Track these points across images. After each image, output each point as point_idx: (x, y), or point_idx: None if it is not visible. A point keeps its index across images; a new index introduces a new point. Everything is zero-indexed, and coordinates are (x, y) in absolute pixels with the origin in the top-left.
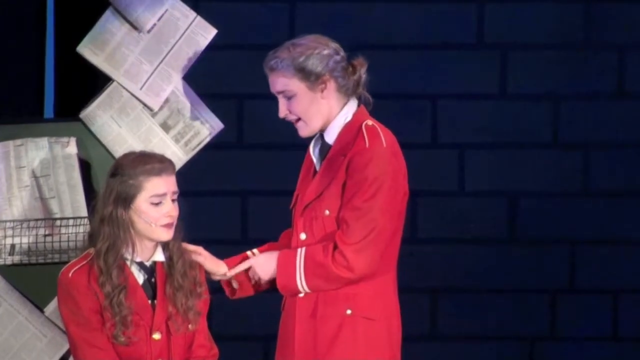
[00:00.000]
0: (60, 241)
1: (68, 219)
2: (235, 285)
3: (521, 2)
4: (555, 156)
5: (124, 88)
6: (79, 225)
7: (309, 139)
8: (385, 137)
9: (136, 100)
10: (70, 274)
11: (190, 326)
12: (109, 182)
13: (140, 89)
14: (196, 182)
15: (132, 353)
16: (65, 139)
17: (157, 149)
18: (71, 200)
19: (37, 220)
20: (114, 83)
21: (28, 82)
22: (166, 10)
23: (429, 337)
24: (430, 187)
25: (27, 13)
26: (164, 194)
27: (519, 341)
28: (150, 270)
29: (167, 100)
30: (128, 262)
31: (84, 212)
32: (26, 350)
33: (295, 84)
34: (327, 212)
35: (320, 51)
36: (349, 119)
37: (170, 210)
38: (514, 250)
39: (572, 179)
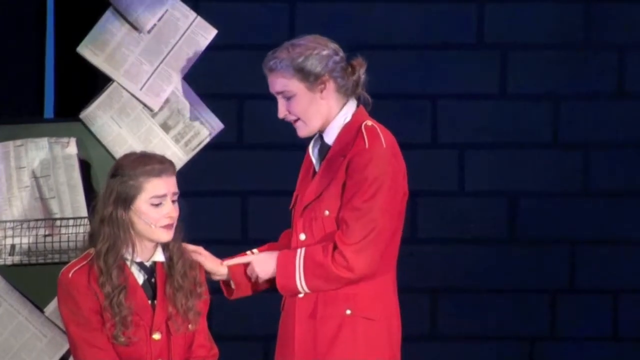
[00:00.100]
0: (60, 241)
1: (68, 219)
2: (233, 285)
3: (521, 2)
4: (555, 156)
5: (124, 88)
6: (79, 225)
7: (309, 139)
8: (385, 138)
9: (136, 100)
10: (70, 274)
11: (190, 326)
12: (109, 183)
13: (140, 89)
14: (196, 182)
15: (132, 353)
16: (65, 139)
17: (157, 150)
18: (71, 200)
19: (37, 220)
20: (114, 83)
21: (28, 82)
22: (166, 10)
23: (429, 337)
24: (430, 187)
25: (27, 13)
26: (164, 195)
27: (519, 341)
28: (150, 271)
29: (167, 101)
30: (128, 263)
31: (84, 212)
32: (26, 350)
33: (294, 85)
34: (326, 212)
35: (320, 52)
36: (348, 119)
37: (170, 211)
38: (514, 250)
39: (572, 179)
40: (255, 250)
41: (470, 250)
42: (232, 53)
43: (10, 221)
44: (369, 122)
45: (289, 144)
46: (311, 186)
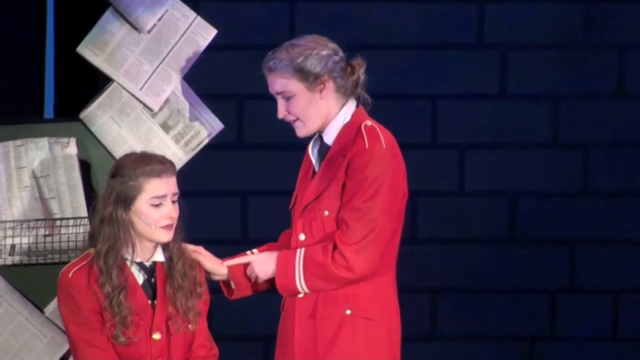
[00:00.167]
0: (60, 241)
1: (68, 219)
2: (233, 285)
3: (521, 2)
4: (555, 156)
5: (124, 88)
6: (79, 225)
7: (308, 139)
8: (385, 138)
9: (136, 100)
10: (70, 274)
11: (190, 326)
12: (109, 183)
13: (140, 89)
14: (196, 182)
15: (132, 353)
16: (65, 139)
17: (157, 150)
18: (71, 200)
19: (37, 220)
20: (114, 83)
21: (28, 82)
22: (166, 10)
23: (429, 337)
24: (430, 187)
25: (27, 13)
26: (164, 196)
27: (519, 341)
28: (150, 271)
29: (167, 101)
30: (128, 263)
31: (84, 212)
32: (26, 350)
33: (294, 85)
34: (326, 212)
35: (319, 52)
36: (347, 119)
37: (170, 211)
38: (514, 250)
39: (572, 179)
40: (255, 250)
41: (470, 250)
42: (232, 53)
43: (10, 221)
44: (369, 122)
45: (289, 144)
46: (311, 186)
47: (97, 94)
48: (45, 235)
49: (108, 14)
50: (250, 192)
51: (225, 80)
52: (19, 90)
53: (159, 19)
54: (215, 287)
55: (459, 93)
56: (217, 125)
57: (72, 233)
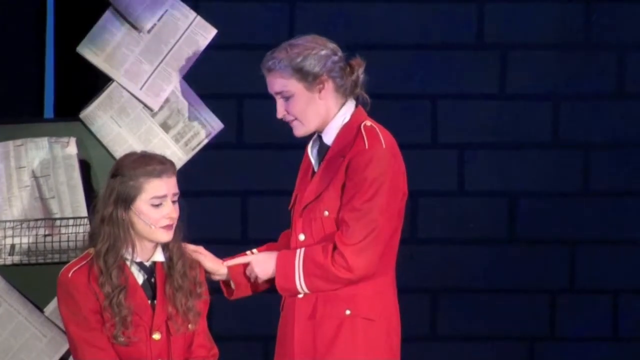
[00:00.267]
0: (60, 241)
1: (68, 219)
2: (233, 285)
3: (521, 2)
4: (555, 156)
5: (124, 88)
6: (79, 225)
7: (308, 139)
8: (385, 138)
9: (136, 100)
10: (70, 274)
11: (190, 326)
12: (109, 183)
13: (140, 89)
14: (196, 182)
15: (132, 353)
16: (65, 139)
17: (157, 149)
18: (71, 200)
19: (37, 220)
20: (114, 83)
21: (28, 82)
22: (166, 10)
23: (429, 337)
24: (430, 187)
25: (27, 13)
26: (164, 196)
27: (519, 341)
28: (150, 271)
29: (167, 100)
30: (128, 262)
31: (83, 212)
32: (26, 350)
33: (293, 85)
34: (326, 213)
35: (318, 51)
36: (347, 119)
37: (170, 211)
38: (514, 250)
39: (572, 179)
40: (255, 251)
41: (470, 250)
42: (232, 53)
43: (10, 221)
44: (368, 123)
45: (289, 144)
46: (310, 186)
47: (97, 93)
48: (45, 235)
49: (108, 14)
50: (250, 192)
51: (225, 80)
52: (19, 90)
53: (159, 19)
54: (215, 287)
55: (459, 93)
56: (217, 125)
57: (72, 233)
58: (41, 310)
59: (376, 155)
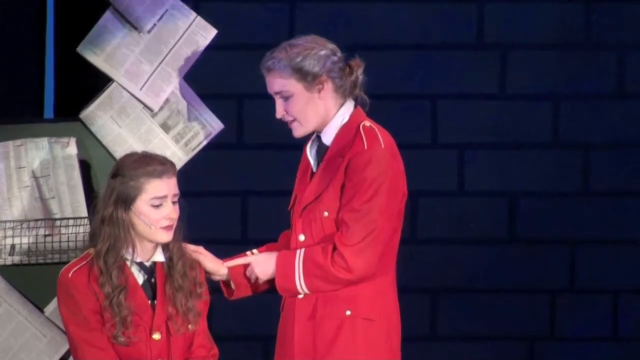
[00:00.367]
0: (60, 241)
1: (68, 219)
2: (233, 285)
3: (521, 2)
4: (555, 156)
5: (124, 88)
6: (79, 225)
7: (307, 139)
8: (384, 138)
9: (136, 100)
10: (70, 274)
11: (190, 326)
12: (109, 183)
13: (140, 89)
14: (196, 182)
15: (132, 353)
16: (65, 139)
17: (157, 149)
18: (71, 200)
19: (37, 220)
20: (114, 83)
21: (28, 82)
22: (166, 10)
23: (429, 337)
24: (430, 187)
25: (27, 13)
26: (165, 197)
27: (519, 341)
28: (150, 271)
29: (167, 101)
30: (128, 263)
31: (83, 212)
32: (26, 350)
33: (292, 85)
34: (325, 213)
35: (317, 52)
36: (346, 119)
37: (170, 212)
38: (514, 250)
39: (572, 179)
40: (255, 251)
41: (470, 250)
42: (232, 53)
43: (10, 221)
44: (367, 123)
45: (289, 144)
46: (310, 187)
47: (97, 94)
48: (45, 235)
49: (108, 14)
50: (250, 192)
51: (225, 80)
52: (19, 90)
53: (159, 19)
54: (215, 287)
55: (459, 93)
56: (217, 125)
57: (72, 233)
58: (41, 310)
59: (375, 156)
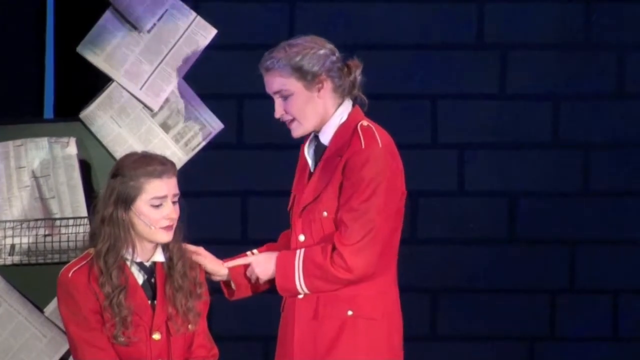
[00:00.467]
0: (60, 241)
1: (68, 219)
2: (233, 286)
3: (521, 2)
4: (555, 156)
5: (124, 88)
6: (79, 225)
7: (305, 139)
8: (381, 138)
9: (136, 100)
10: (70, 274)
11: (190, 327)
12: (110, 183)
13: (140, 89)
14: (196, 182)
15: (132, 353)
16: (65, 139)
17: (157, 149)
18: (71, 200)
19: (37, 220)
20: (114, 83)
21: (28, 82)
22: (166, 10)
23: (429, 337)
24: (430, 187)
25: (27, 13)
26: (165, 197)
27: (519, 341)
28: (150, 271)
29: (167, 100)
30: (128, 263)
31: (83, 212)
32: (26, 350)
33: (292, 84)
34: (325, 213)
35: (317, 51)
36: (344, 119)
37: (170, 212)
38: (514, 250)
39: (572, 179)
40: (255, 251)
41: (470, 250)
42: (232, 53)
43: (10, 221)
44: (365, 122)
45: (289, 144)
46: (308, 187)
47: (97, 93)
48: (45, 235)
49: (108, 14)
50: (250, 192)
51: (225, 80)
52: (19, 90)
53: (159, 19)
54: (215, 287)
55: (459, 93)
56: (217, 125)
57: (72, 233)
58: (41, 310)
59: (373, 155)
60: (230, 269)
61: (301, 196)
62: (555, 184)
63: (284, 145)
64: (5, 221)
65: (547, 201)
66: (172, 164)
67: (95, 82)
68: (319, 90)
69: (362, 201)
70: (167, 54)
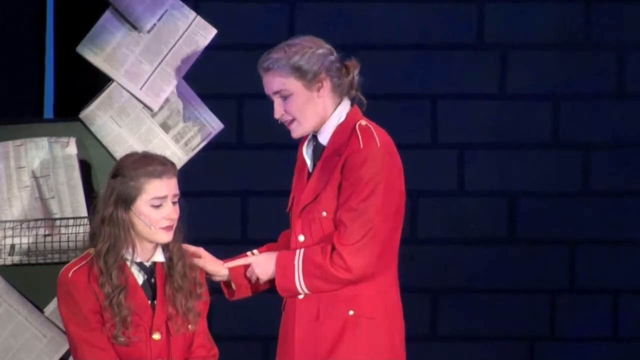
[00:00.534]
0: (60, 241)
1: (68, 219)
2: (234, 286)
3: (521, 2)
4: (555, 156)
5: (124, 88)
6: (79, 225)
7: (303, 139)
8: (380, 137)
9: (136, 100)
10: (70, 274)
11: (190, 327)
12: (110, 183)
13: (140, 89)
14: (196, 182)
15: (132, 353)
16: (65, 139)
17: (157, 149)
18: (71, 200)
19: (37, 220)
20: (114, 83)
21: (28, 82)
22: (166, 10)
23: (429, 337)
24: (430, 187)
25: (27, 13)
26: (165, 197)
27: (519, 341)
28: (150, 271)
29: (167, 100)
30: (128, 263)
31: (83, 212)
32: (26, 350)
33: (292, 83)
34: (324, 213)
35: (315, 50)
36: (342, 119)
37: (170, 213)
38: (514, 250)
39: (572, 179)
40: (255, 251)
41: (470, 250)
42: (232, 53)
43: (10, 221)
44: (363, 122)
45: (289, 144)
46: (307, 188)
47: (97, 93)
48: (45, 235)
49: (108, 14)
50: (250, 192)
51: (225, 80)
52: (19, 90)
53: (159, 19)
54: (215, 287)
55: (459, 93)
56: (217, 125)
57: (72, 233)
58: (41, 310)
59: (371, 154)
60: (231, 269)
61: (300, 197)
62: (555, 184)
63: (284, 145)
64: (5, 221)
65: (547, 201)
66: (173, 164)
67: (95, 82)
68: (318, 90)
69: (361, 201)
70: (167, 54)
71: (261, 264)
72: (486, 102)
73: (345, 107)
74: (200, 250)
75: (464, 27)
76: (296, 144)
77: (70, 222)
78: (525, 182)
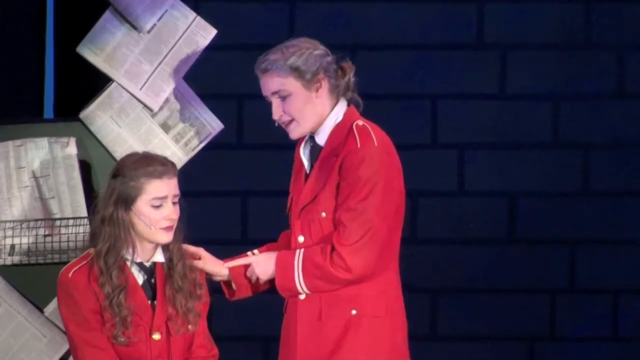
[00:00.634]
0: (60, 241)
1: (68, 219)
2: (234, 286)
3: (521, 2)
4: (555, 156)
5: (124, 88)
6: (79, 225)
7: (300, 140)
8: (377, 136)
9: (136, 100)
10: (70, 274)
11: (190, 327)
12: (110, 183)
13: (140, 89)
14: (196, 182)
15: (132, 353)
16: (65, 139)
17: (157, 149)
18: (71, 200)
19: (37, 220)
20: (114, 83)
21: (28, 82)
22: (166, 10)
23: (429, 337)
24: (430, 187)
25: (27, 13)
26: (165, 197)
27: (519, 341)
28: (150, 271)
29: (167, 101)
30: (128, 263)
31: (83, 212)
32: (26, 351)
33: (291, 83)
34: (323, 214)
35: (313, 51)
36: (339, 119)
37: (170, 213)
38: (514, 250)
39: (572, 179)
40: (255, 251)
41: (470, 250)
42: (232, 53)
43: (10, 221)
44: (360, 122)
45: (289, 144)
46: (306, 188)
47: (97, 93)
48: (45, 235)
49: (108, 14)
50: (250, 192)
51: (225, 80)
52: (19, 90)
53: (159, 19)
54: (215, 288)
55: (459, 93)
56: (217, 125)
57: (72, 233)
58: (41, 310)
59: (368, 154)
60: (231, 270)
61: (299, 197)
62: (555, 184)
63: (284, 145)
64: (5, 221)
65: (547, 201)
66: (173, 165)
67: (95, 82)
68: (317, 90)
69: (360, 200)
70: (167, 54)
71: (261, 263)
72: (486, 102)
73: (342, 107)
74: (201, 251)
75: (464, 27)
76: (296, 144)
77: (70, 222)
78: (525, 182)
